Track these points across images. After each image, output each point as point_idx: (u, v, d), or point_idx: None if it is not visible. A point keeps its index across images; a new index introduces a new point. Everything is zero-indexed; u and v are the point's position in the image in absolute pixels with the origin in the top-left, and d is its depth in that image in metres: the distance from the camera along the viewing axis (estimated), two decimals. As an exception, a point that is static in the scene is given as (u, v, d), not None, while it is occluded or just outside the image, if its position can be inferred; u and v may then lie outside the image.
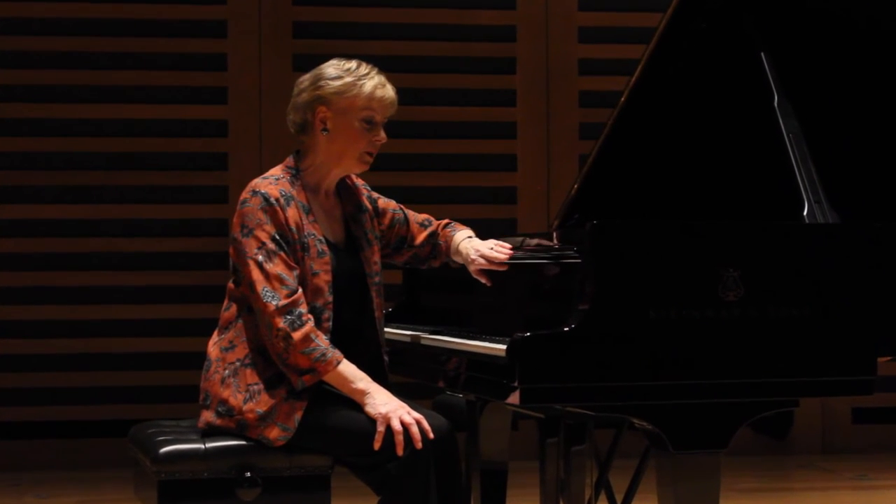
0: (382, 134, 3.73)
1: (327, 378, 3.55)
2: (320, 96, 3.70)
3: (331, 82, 3.70)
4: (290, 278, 3.56)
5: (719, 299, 3.33)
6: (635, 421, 3.38)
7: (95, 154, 7.38)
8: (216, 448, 3.55)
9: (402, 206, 3.98)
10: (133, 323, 7.35)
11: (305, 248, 3.63)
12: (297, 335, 3.52)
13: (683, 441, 3.35)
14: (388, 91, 3.72)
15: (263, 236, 3.59)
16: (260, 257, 3.57)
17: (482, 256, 3.77)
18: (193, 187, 7.44)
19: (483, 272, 3.78)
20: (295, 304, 3.54)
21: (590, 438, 3.82)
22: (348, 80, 3.69)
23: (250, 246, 3.59)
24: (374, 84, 3.70)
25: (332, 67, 3.73)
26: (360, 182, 3.91)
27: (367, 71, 3.72)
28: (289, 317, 3.53)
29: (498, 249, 3.75)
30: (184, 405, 6.15)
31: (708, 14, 3.99)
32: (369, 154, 3.72)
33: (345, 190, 3.84)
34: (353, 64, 3.73)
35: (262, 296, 3.55)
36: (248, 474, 3.54)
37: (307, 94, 3.71)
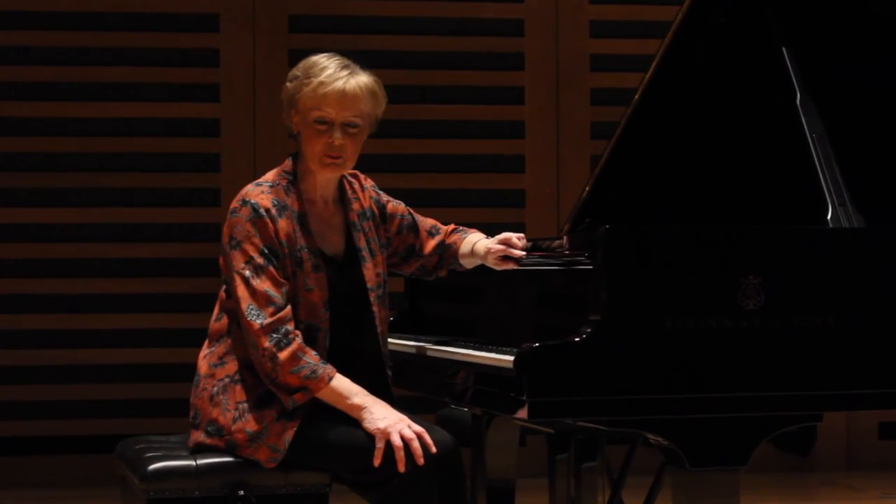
0: (337, 136, 3.59)
1: (320, 395, 3.53)
2: (287, 99, 3.67)
3: (288, 84, 3.67)
4: (278, 295, 3.54)
5: (739, 308, 3.33)
6: (650, 436, 3.38)
7: (80, 155, 7.37)
8: (208, 465, 3.55)
9: (410, 210, 3.92)
10: (120, 333, 7.35)
11: (298, 262, 3.60)
12: (283, 354, 3.50)
13: (701, 457, 3.35)
14: (338, 84, 3.58)
15: (251, 250, 3.56)
16: (247, 272, 3.55)
17: (500, 242, 3.74)
18: (184, 190, 7.44)
19: (505, 259, 3.74)
20: (281, 321, 3.52)
21: (602, 454, 3.82)
22: (301, 79, 3.63)
23: (237, 259, 3.57)
24: (320, 80, 3.59)
25: (295, 68, 3.67)
26: (368, 184, 3.85)
27: (325, 64, 3.62)
28: (275, 335, 3.51)
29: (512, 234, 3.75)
30: (174, 420, 6.15)
31: (726, 7, 4.00)
32: (329, 157, 3.62)
33: (348, 195, 3.79)
34: (314, 59, 3.65)
35: (246, 314, 3.53)
36: (242, 493, 3.53)
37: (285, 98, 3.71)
